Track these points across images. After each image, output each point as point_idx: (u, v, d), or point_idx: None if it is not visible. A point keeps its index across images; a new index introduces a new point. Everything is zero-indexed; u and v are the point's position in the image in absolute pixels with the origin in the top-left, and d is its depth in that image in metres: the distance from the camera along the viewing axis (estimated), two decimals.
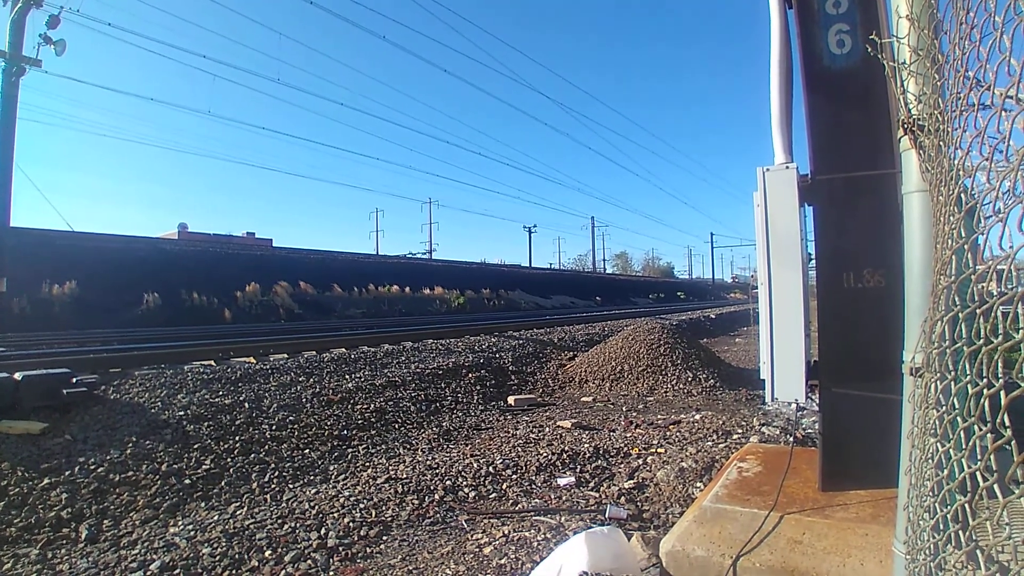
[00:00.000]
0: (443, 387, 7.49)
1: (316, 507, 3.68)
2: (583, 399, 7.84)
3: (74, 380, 5.21)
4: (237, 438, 4.87)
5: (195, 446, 4.61)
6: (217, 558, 2.99)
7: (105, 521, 3.55)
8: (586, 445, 4.95)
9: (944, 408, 1.11)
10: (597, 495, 3.87)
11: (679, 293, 63.01)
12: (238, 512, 3.67)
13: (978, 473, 0.92)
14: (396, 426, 5.95)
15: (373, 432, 5.65)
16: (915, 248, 1.46)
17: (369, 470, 4.52)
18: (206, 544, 3.14)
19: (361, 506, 3.69)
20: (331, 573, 2.93)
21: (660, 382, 8.43)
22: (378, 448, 5.22)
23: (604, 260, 74.51)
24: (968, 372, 0.98)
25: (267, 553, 3.08)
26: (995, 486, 0.87)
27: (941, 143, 1.21)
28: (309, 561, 3.02)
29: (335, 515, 3.55)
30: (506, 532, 3.28)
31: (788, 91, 2.87)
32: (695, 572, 2.37)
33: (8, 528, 3.35)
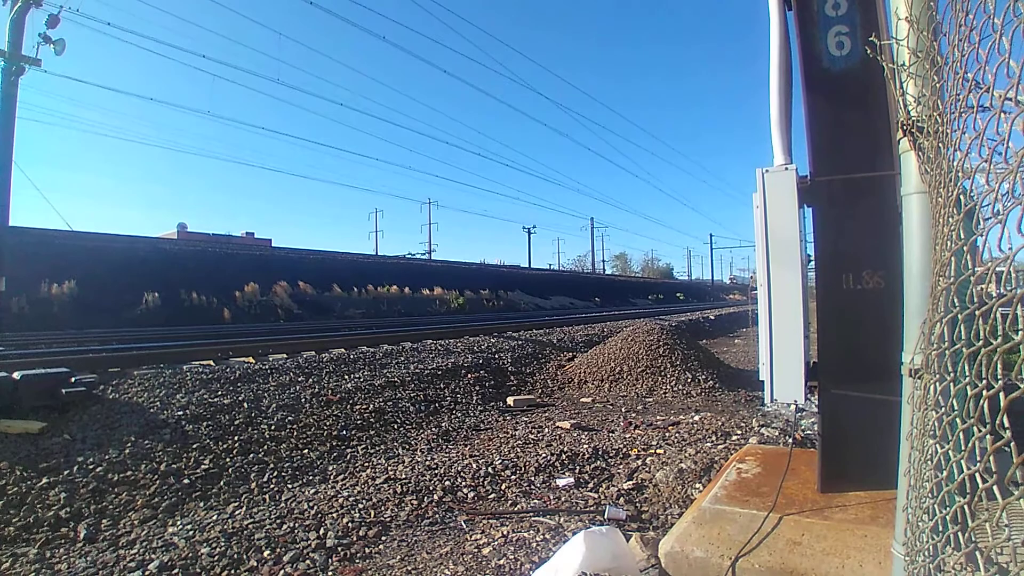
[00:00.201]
0: (442, 388, 7.48)
1: (315, 507, 3.67)
2: (582, 400, 7.84)
3: (73, 380, 5.21)
4: (236, 438, 4.87)
5: (194, 446, 4.61)
6: (216, 558, 2.99)
7: (104, 521, 3.55)
8: (585, 446, 4.94)
9: (943, 409, 1.11)
10: (596, 496, 3.86)
11: (678, 294, 63.03)
12: (237, 512, 3.67)
13: (977, 475, 0.92)
14: (395, 426, 5.94)
15: (372, 432, 5.64)
16: (914, 250, 1.46)
17: (368, 470, 4.52)
18: (205, 544, 3.13)
19: (360, 506, 3.69)
20: (330, 573, 2.92)
21: (659, 383, 8.43)
22: (377, 448, 5.22)
23: (603, 261, 74.60)
24: (967, 373, 0.98)
25: (266, 553, 3.08)
26: (994, 487, 0.87)
27: (940, 145, 1.21)
28: (308, 561, 3.01)
29: (334, 515, 3.54)
30: (505, 533, 3.28)
31: (787, 92, 2.88)
32: (694, 573, 2.37)
33: (7, 527, 3.35)
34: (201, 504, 3.85)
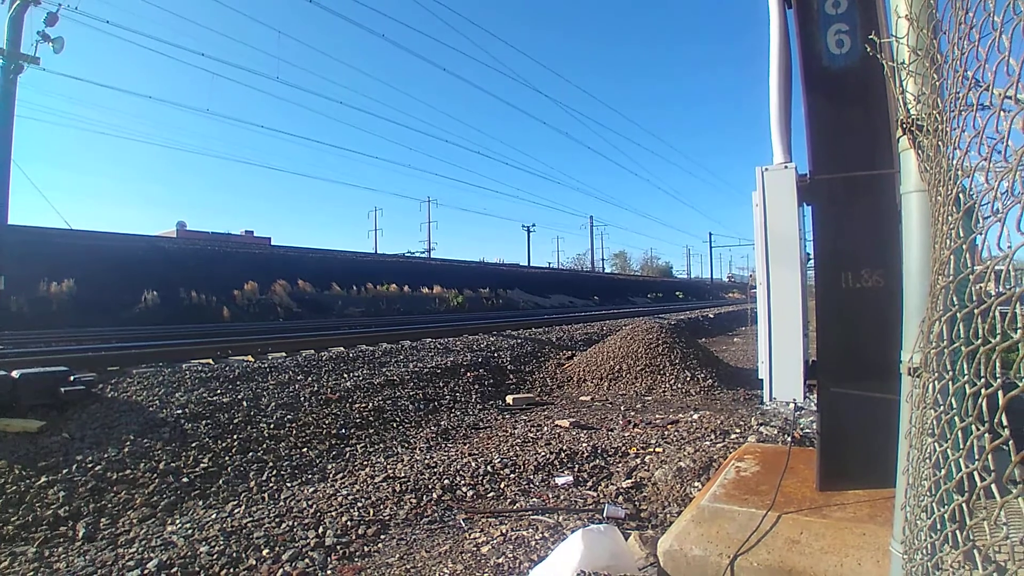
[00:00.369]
0: (441, 386, 7.48)
1: (314, 506, 3.67)
2: (581, 398, 7.84)
3: (72, 378, 5.21)
4: (235, 437, 4.87)
5: (193, 444, 4.61)
6: (215, 557, 2.99)
7: (102, 519, 3.55)
8: (584, 444, 4.95)
9: (942, 408, 1.11)
10: (595, 494, 3.87)
11: (677, 293, 63.06)
12: (236, 511, 3.67)
13: (975, 473, 0.92)
14: (394, 425, 5.94)
15: (371, 431, 5.64)
16: (913, 248, 1.46)
17: (367, 469, 4.52)
18: (204, 543, 3.13)
19: (359, 505, 3.69)
20: (329, 572, 2.92)
21: (658, 381, 8.44)
22: (376, 447, 5.22)
23: (603, 259, 74.62)
24: (966, 372, 0.98)
25: (265, 552, 3.08)
26: (992, 486, 0.87)
27: (940, 143, 1.21)
28: (307, 560, 3.01)
29: (333, 514, 3.55)
30: (504, 531, 3.28)
31: (787, 91, 2.87)
32: (693, 571, 2.37)
33: (5, 526, 3.35)
34: (200, 503, 3.85)
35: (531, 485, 4.10)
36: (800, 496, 2.65)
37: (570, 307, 34.99)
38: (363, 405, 6.18)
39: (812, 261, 2.73)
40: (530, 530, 3.28)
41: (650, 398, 7.79)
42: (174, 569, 2.87)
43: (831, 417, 2.70)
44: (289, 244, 30.88)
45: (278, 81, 38.61)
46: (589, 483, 4.11)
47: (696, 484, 3.81)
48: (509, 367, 9.10)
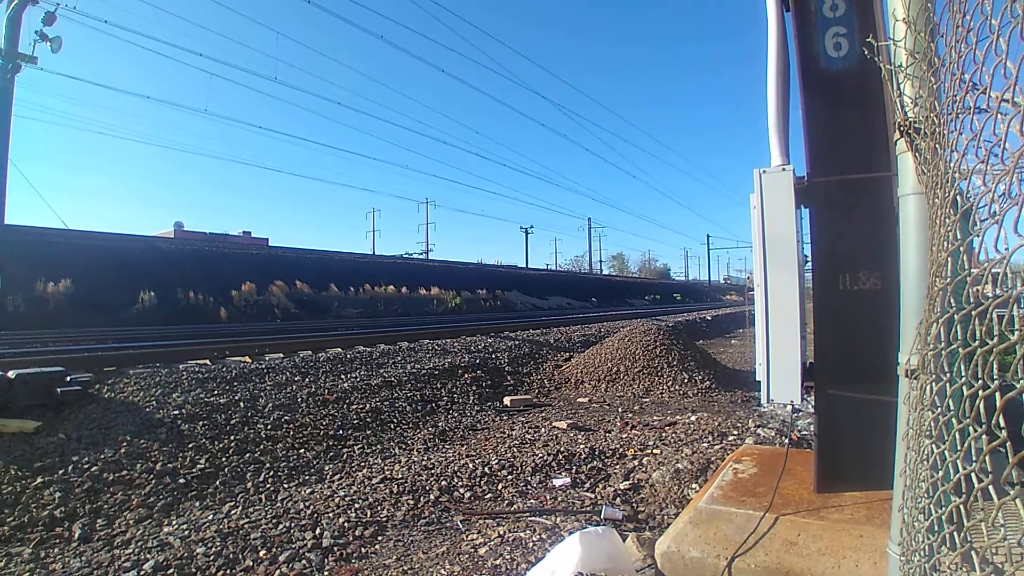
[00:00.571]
0: (439, 387, 7.48)
1: (311, 507, 3.67)
2: (579, 400, 7.84)
3: (68, 378, 5.18)
4: (232, 437, 4.85)
5: (190, 445, 4.59)
6: (211, 558, 2.98)
7: (99, 520, 3.53)
8: (582, 446, 4.95)
9: (939, 410, 1.11)
10: (593, 496, 3.87)
11: (675, 294, 63.15)
12: (233, 512, 3.65)
13: (973, 475, 0.92)
14: (392, 426, 5.93)
15: (369, 432, 5.63)
16: (911, 250, 1.47)
17: (364, 470, 4.51)
18: (200, 544, 3.12)
19: (356, 506, 3.68)
20: (326, 573, 2.91)
21: (656, 383, 8.44)
22: (374, 448, 5.21)
23: (600, 261, 74.73)
24: (963, 374, 0.99)
25: (262, 553, 3.07)
26: (990, 488, 0.87)
27: (937, 146, 1.21)
28: (304, 561, 3.00)
29: (330, 515, 3.54)
30: (501, 532, 3.28)
31: (785, 93, 2.88)
32: (690, 573, 2.37)
33: (1, 527, 3.33)
34: (197, 504, 3.84)
35: (529, 487, 4.10)
36: (798, 498, 2.65)
37: (568, 309, 35.01)
38: (360, 406, 6.17)
39: (810, 263, 2.74)
40: (527, 532, 3.28)
41: (648, 400, 7.79)
42: (171, 570, 2.86)
43: (829, 419, 2.70)
44: (287, 245, 30.82)
45: (276, 82, 38.42)
46: (587, 485, 4.11)
47: (694, 486, 3.81)
48: (507, 368, 9.10)
